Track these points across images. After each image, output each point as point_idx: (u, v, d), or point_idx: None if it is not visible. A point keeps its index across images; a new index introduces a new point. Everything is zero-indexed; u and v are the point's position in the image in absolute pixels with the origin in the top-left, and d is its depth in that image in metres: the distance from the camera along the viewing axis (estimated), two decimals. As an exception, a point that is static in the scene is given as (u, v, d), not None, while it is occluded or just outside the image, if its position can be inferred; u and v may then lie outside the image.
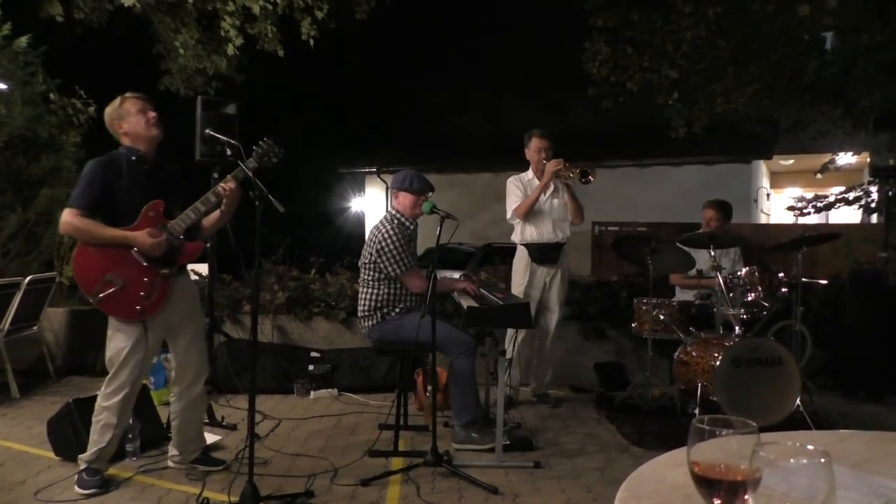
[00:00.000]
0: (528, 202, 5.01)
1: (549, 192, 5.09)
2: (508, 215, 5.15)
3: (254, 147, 3.52)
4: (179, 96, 8.76)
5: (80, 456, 3.42)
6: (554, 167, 4.89)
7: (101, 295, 3.23)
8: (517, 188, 5.14)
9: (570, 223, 5.13)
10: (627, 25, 8.68)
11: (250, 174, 3.35)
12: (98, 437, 3.37)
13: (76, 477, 3.38)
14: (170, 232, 3.34)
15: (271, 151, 3.48)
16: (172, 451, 3.67)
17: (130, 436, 3.74)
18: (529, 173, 5.20)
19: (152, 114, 3.43)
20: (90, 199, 3.23)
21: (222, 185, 3.41)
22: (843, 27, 8.17)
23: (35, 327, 5.70)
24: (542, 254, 5.07)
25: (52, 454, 3.81)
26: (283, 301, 6.02)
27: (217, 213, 3.50)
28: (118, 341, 3.33)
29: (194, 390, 3.60)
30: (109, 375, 3.36)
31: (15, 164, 6.99)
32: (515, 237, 5.20)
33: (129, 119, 3.37)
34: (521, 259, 5.18)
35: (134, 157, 3.36)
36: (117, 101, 3.41)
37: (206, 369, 3.72)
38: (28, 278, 5.33)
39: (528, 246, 5.11)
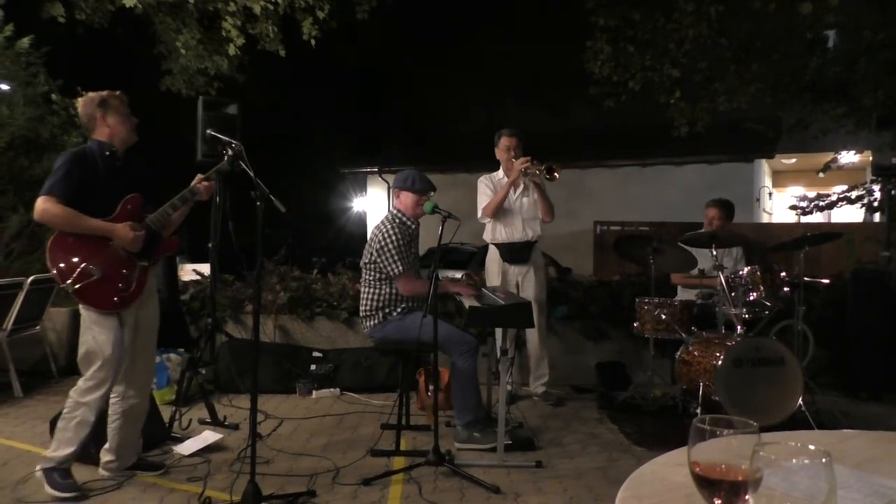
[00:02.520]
0: (497, 200, 5.04)
1: (518, 191, 5.12)
2: (479, 214, 5.18)
3: (224, 150, 3.60)
4: (181, 97, 8.78)
5: (49, 454, 3.26)
6: (521, 165, 4.91)
7: (79, 285, 3.15)
8: (487, 187, 5.18)
9: (540, 221, 5.14)
10: (629, 24, 8.68)
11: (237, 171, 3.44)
12: (73, 435, 3.25)
13: (43, 476, 3.24)
14: (149, 226, 3.37)
15: (240, 157, 3.52)
16: (107, 456, 3.51)
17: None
18: (500, 172, 5.25)
19: (135, 119, 3.46)
20: (69, 187, 3.16)
21: (202, 183, 3.49)
22: (846, 25, 8.16)
23: (38, 327, 5.72)
24: (512, 253, 5.10)
25: (54, 454, 3.80)
26: (285, 301, 6.03)
27: (183, 208, 3.54)
28: (95, 334, 3.25)
29: (141, 401, 3.53)
30: (90, 371, 3.26)
31: (17, 164, 7.01)
32: (486, 236, 5.23)
33: (117, 116, 3.37)
34: (493, 259, 5.21)
35: (107, 153, 3.34)
36: (104, 93, 3.38)
37: (152, 381, 3.70)
38: (30, 278, 5.34)
39: (498, 246, 5.14)
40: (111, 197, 3.30)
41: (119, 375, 3.35)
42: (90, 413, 3.28)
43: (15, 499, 3.26)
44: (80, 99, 3.42)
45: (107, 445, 3.52)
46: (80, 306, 3.29)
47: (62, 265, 3.17)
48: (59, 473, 3.25)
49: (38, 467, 3.29)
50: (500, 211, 5.08)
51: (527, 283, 5.13)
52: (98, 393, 3.27)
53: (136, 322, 3.41)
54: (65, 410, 3.31)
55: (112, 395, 3.46)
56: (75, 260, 3.17)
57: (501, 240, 5.12)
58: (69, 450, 3.26)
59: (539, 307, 5.11)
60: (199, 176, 3.52)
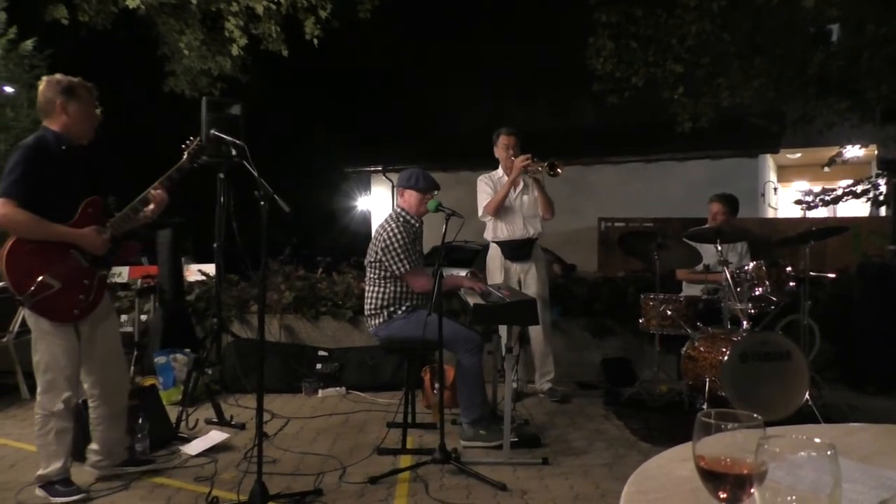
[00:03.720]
0: (498, 198, 5.06)
1: (518, 189, 5.14)
2: (480, 213, 5.19)
3: (183, 146, 3.48)
4: (184, 98, 8.80)
5: (41, 472, 3.20)
6: (522, 163, 4.91)
7: (37, 297, 2.98)
8: (487, 186, 5.20)
9: (540, 218, 5.15)
10: (631, 20, 8.66)
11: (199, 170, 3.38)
12: (57, 447, 3.17)
13: (44, 492, 3.21)
14: (110, 231, 3.22)
15: (201, 151, 3.49)
16: (96, 457, 3.45)
17: (140, 435, 3.76)
18: (500, 171, 5.26)
19: (99, 117, 3.32)
20: (27, 188, 2.94)
21: (152, 191, 3.30)
22: (849, 19, 8.13)
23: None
24: (513, 251, 5.12)
25: (62, 455, 3.81)
26: (290, 300, 6.04)
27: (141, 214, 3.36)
28: (49, 345, 3.11)
29: (119, 402, 3.46)
30: (45, 382, 3.14)
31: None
32: (488, 235, 5.24)
33: (79, 108, 3.17)
34: (494, 257, 5.23)
35: (63, 147, 3.14)
36: (73, 80, 3.19)
37: (128, 380, 3.58)
38: (37, 280, 5.35)
39: (500, 244, 5.16)
40: (70, 197, 3.12)
41: (76, 383, 3.23)
42: (63, 421, 3.18)
43: (18, 502, 3.27)
44: (43, 79, 3.20)
45: (93, 446, 3.46)
46: (31, 316, 3.09)
47: (19, 277, 2.97)
48: (59, 483, 3.21)
49: (36, 488, 3.25)
50: (500, 209, 5.09)
51: (529, 279, 5.13)
52: (59, 402, 3.14)
53: (93, 327, 3.27)
54: (36, 428, 3.20)
55: (90, 402, 3.42)
56: (33, 271, 2.98)
57: (503, 237, 5.14)
58: (59, 462, 3.19)
59: (542, 303, 5.11)
60: (157, 184, 3.33)
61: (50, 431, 3.18)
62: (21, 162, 2.99)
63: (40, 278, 2.99)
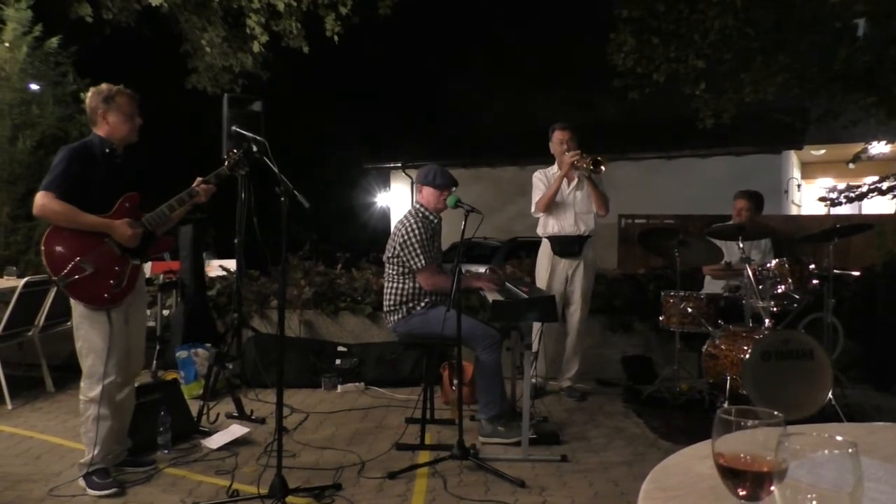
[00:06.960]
0: (548, 195, 5.02)
1: (572, 185, 5.07)
2: (532, 209, 5.16)
3: (225, 157, 3.71)
4: (206, 94, 8.88)
5: (82, 462, 3.34)
6: (570, 158, 4.87)
7: (71, 279, 3.19)
8: (541, 182, 5.15)
9: (594, 215, 5.09)
10: (653, 15, 8.56)
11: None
12: (94, 434, 3.28)
13: (83, 481, 3.31)
14: (145, 225, 3.39)
15: (242, 163, 3.68)
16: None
17: (162, 429, 3.81)
18: (555, 167, 5.19)
19: (139, 120, 3.47)
20: (67, 183, 3.19)
21: (201, 186, 3.52)
22: (876, 13, 7.98)
23: (68, 323, 5.79)
24: (563, 246, 5.06)
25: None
26: (309, 296, 6.07)
27: (181, 209, 3.55)
28: (87, 330, 3.29)
29: (130, 393, 3.54)
30: (85, 367, 3.31)
31: (47, 163, 7.13)
32: (539, 230, 5.20)
33: (118, 115, 3.37)
34: (544, 252, 5.18)
35: (107, 150, 3.36)
36: (113, 89, 3.38)
37: (141, 369, 3.72)
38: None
39: (550, 239, 5.12)
40: (109, 194, 3.33)
41: (112, 368, 3.32)
42: (100, 408, 3.28)
43: (48, 491, 3.33)
44: (90, 89, 3.43)
45: None
46: (72, 302, 3.31)
47: (56, 259, 3.21)
48: (97, 475, 3.31)
49: (80, 478, 3.34)
50: (552, 205, 5.06)
51: (576, 277, 5.08)
52: (98, 387, 3.28)
53: (126, 318, 3.41)
54: (81, 415, 3.35)
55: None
56: (69, 254, 3.21)
57: (552, 232, 5.10)
58: (94, 451, 3.29)
59: (583, 302, 5.09)
60: (199, 179, 3.54)
61: (89, 418, 3.30)
62: (62, 160, 3.24)
63: (75, 261, 3.20)
